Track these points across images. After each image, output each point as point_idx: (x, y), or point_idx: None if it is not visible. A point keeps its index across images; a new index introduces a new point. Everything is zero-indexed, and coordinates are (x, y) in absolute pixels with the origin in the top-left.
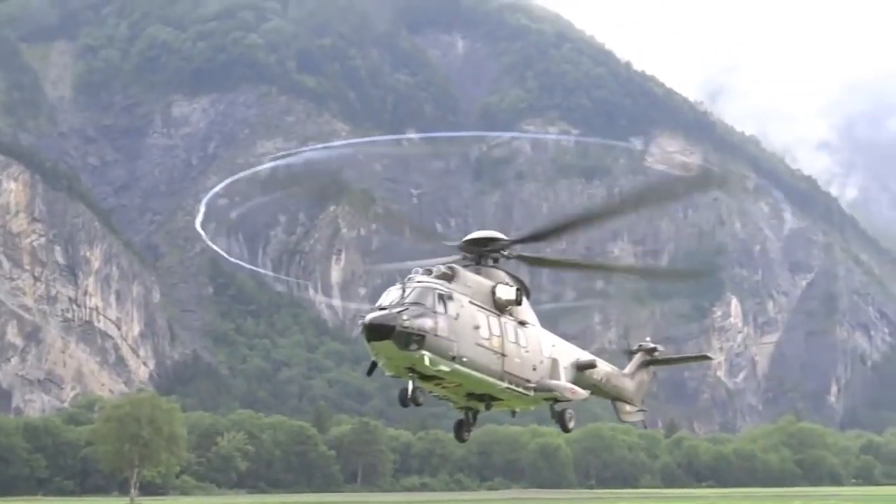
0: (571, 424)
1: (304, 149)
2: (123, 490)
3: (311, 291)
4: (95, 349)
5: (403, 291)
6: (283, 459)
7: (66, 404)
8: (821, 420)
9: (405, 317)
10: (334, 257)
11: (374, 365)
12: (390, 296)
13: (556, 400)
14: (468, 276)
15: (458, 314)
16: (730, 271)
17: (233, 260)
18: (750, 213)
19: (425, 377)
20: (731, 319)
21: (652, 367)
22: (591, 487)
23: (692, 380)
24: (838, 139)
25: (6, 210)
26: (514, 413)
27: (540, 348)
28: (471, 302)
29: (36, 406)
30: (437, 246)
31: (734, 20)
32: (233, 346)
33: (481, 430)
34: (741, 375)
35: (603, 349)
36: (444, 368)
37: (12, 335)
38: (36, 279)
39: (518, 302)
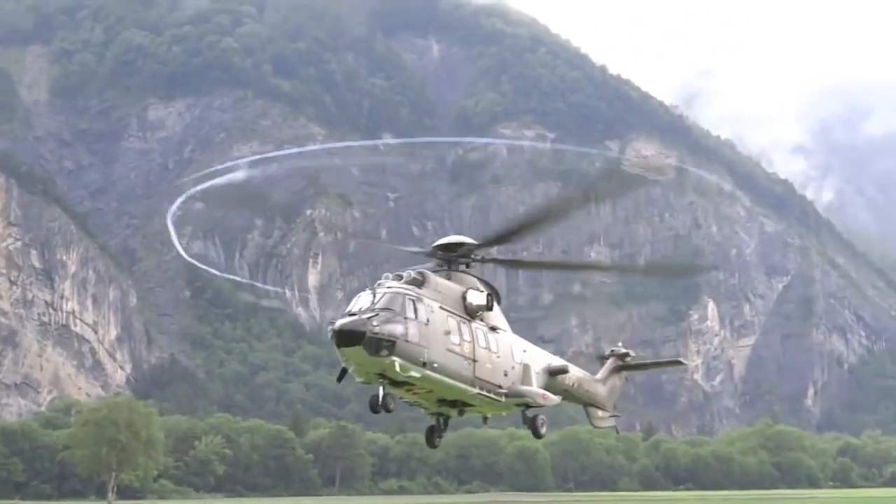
0: (543, 430)
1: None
2: (101, 494)
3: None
4: (72, 353)
5: (374, 297)
6: (261, 463)
7: (42, 408)
8: (798, 423)
9: (375, 323)
10: (311, 261)
11: (344, 371)
12: (360, 301)
13: (528, 406)
14: (439, 281)
15: (428, 320)
16: (706, 275)
17: (205, 268)
18: (726, 217)
19: (396, 383)
20: (708, 323)
21: (624, 373)
22: (569, 491)
23: (670, 383)
24: (814, 142)
25: None
26: (485, 419)
27: (511, 354)
28: (441, 307)
29: (13, 410)
30: (408, 255)
31: (709, 24)
32: (210, 349)
33: (459, 434)
34: (718, 378)
35: (580, 352)
36: (415, 374)
37: None
38: (12, 283)
39: (489, 307)
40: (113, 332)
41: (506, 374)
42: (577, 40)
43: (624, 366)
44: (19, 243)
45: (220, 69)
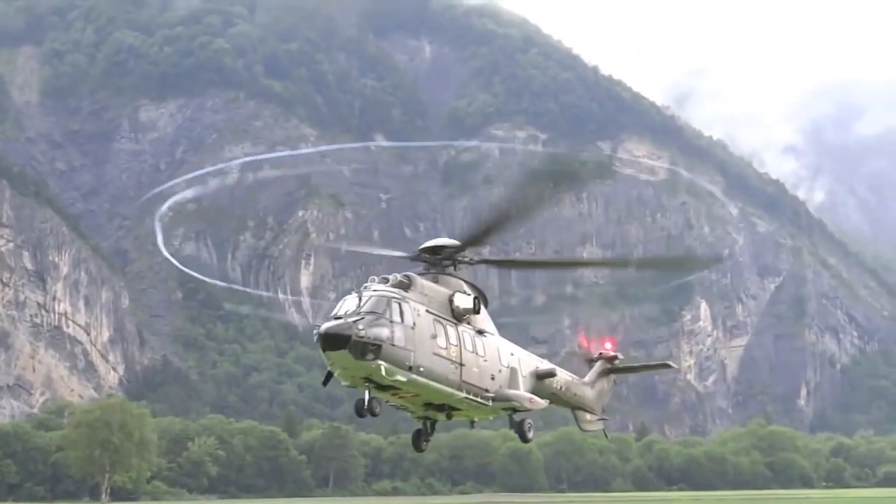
0: (530, 435)
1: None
2: (94, 495)
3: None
4: (65, 354)
5: (359, 300)
6: (254, 464)
7: (35, 410)
8: (790, 423)
9: (361, 326)
10: (303, 262)
11: (329, 374)
12: (346, 305)
13: (515, 410)
14: (425, 284)
15: (414, 323)
16: (699, 275)
17: (194, 274)
18: (718, 218)
19: (382, 387)
20: (701, 323)
21: (613, 376)
22: (562, 491)
23: (662, 383)
24: (805, 143)
25: None
26: (472, 423)
27: (498, 357)
28: (428, 311)
29: (5, 412)
30: (396, 259)
31: (701, 25)
32: (202, 350)
33: (452, 435)
34: (711, 379)
35: (573, 353)
36: (401, 378)
37: None
38: (4, 285)
39: (476, 311)
40: (105, 334)
41: (493, 378)
42: (568, 41)
43: (612, 369)
44: (11, 245)
45: (211, 70)
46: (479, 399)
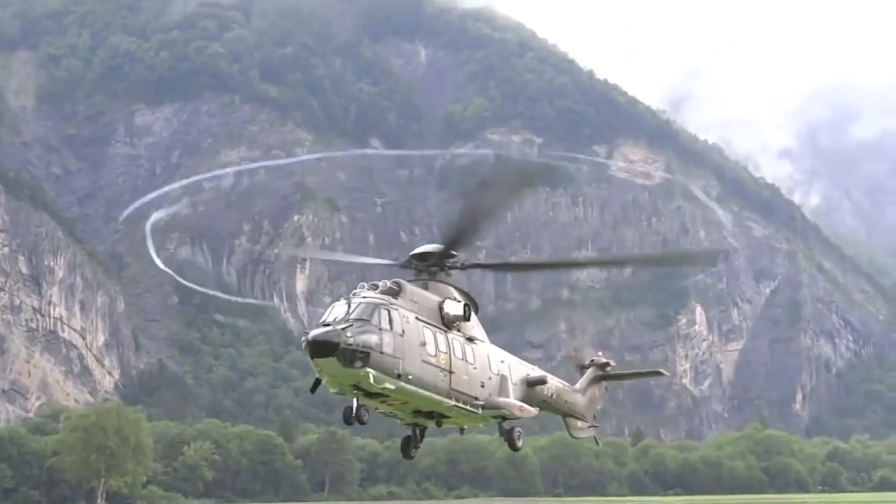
0: (520, 443)
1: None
2: (90, 500)
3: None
4: (60, 359)
5: (348, 307)
6: (250, 469)
7: (31, 414)
8: (786, 427)
9: (349, 333)
10: (299, 266)
11: (317, 382)
12: (335, 311)
13: (505, 418)
14: (415, 291)
15: (403, 330)
16: (694, 279)
17: (190, 285)
18: (713, 222)
19: (370, 395)
20: (696, 327)
21: (604, 383)
22: (558, 495)
23: (658, 387)
24: (800, 147)
25: None
26: (462, 430)
27: (488, 365)
28: (417, 318)
29: (1, 416)
30: (386, 267)
31: (696, 29)
32: (198, 355)
33: (448, 439)
34: (706, 383)
35: (569, 357)
36: (390, 386)
37: None
38: None
39: (466, 318)
40: (101, 338)
41: (482, 386)
42: (564, 45)
43: (604, 376)
44: (6, 249)
45: (207, 74)
46: (468, 407)
